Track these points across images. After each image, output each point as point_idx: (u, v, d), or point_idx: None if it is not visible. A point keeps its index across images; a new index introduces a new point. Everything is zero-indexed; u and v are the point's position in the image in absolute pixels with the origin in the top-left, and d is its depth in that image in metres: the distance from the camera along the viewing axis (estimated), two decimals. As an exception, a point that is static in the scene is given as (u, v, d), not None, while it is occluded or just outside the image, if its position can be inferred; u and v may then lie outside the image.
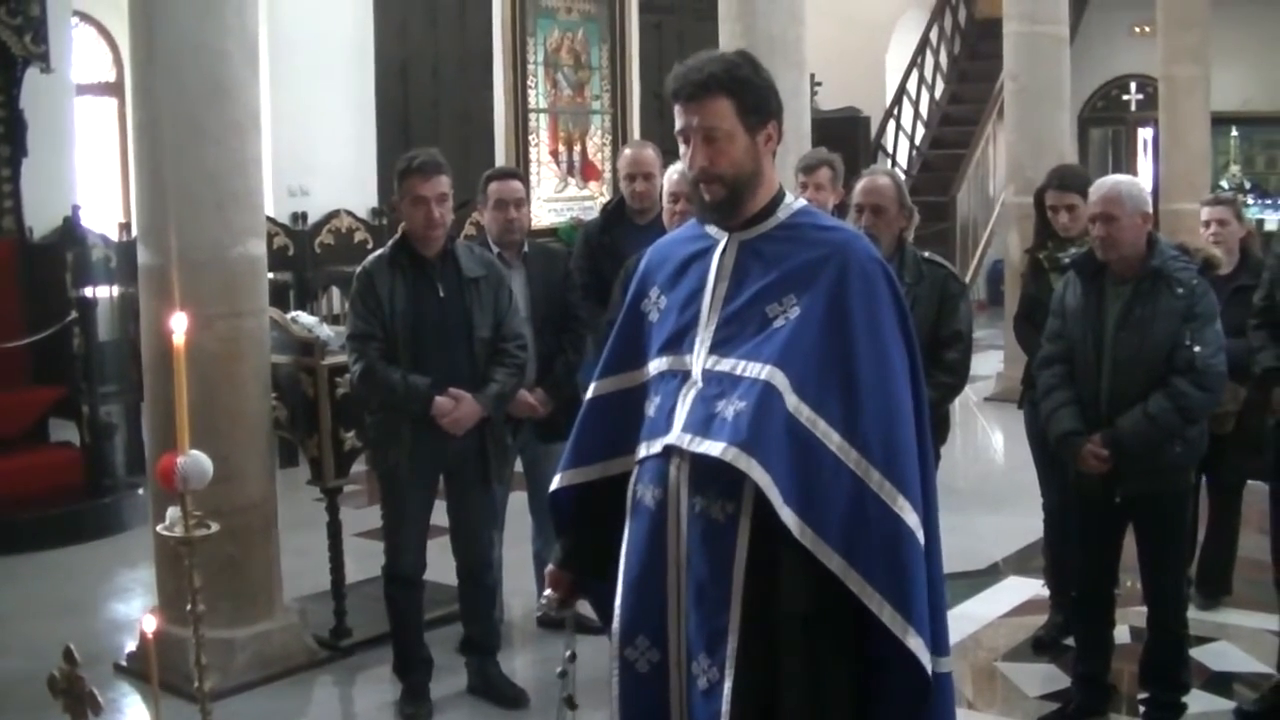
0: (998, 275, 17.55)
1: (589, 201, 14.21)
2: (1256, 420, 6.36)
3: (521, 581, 7.17)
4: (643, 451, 3.64)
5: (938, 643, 3.59)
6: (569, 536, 3.96)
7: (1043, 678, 6.54)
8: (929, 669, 3.49)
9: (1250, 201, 20.39)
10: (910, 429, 3.56)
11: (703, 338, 3.62)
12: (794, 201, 3.75)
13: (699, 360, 3.59)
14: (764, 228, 3.68)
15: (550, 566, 3.98)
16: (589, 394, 3.88)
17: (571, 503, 3.91)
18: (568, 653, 3.96)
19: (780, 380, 3.45)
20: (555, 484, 3.89)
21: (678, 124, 3.65)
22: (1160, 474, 5.60)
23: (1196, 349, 5.44)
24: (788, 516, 3.38)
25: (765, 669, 3.51)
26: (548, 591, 3.96)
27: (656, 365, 3.69)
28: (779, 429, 3.43)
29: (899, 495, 3.46)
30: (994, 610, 7.50)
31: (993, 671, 6.67)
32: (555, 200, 14.52)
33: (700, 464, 3.49)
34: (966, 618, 7.26)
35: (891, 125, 19.48)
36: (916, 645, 3.45)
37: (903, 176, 18.31)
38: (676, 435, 3.52)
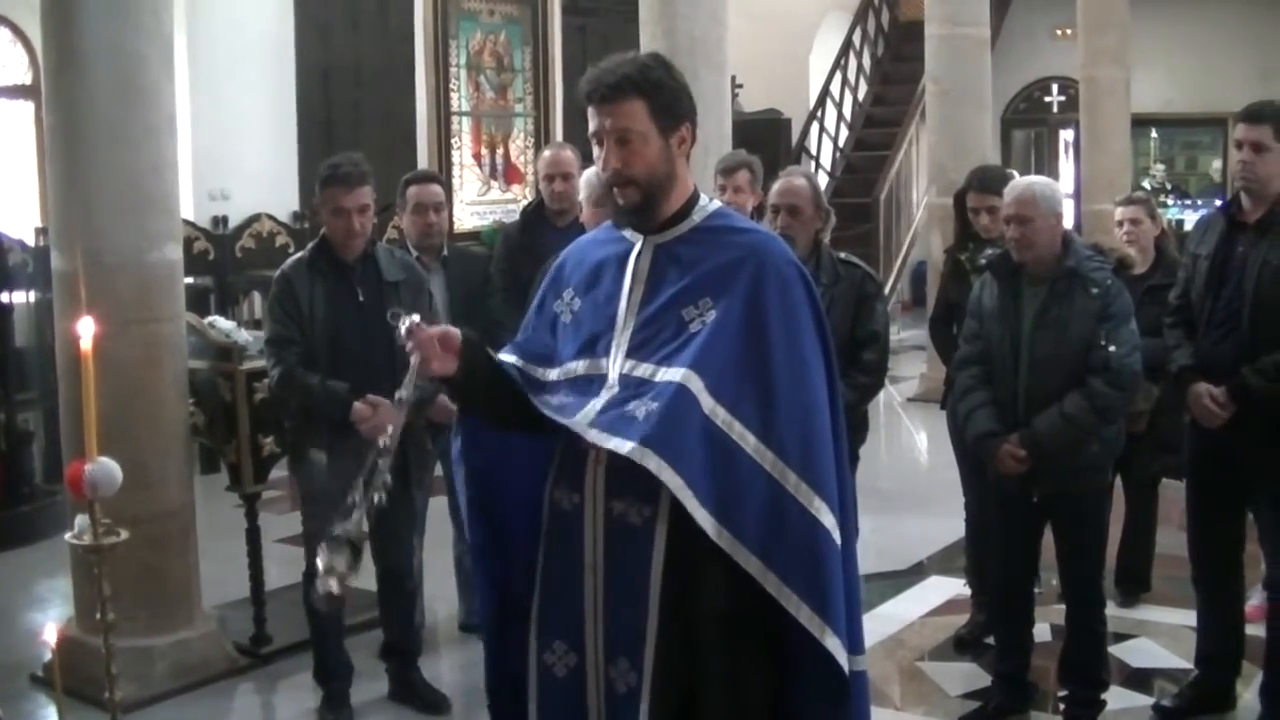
0: (921, 276, 17.66)
1: (512, 204, 14.18)
2: (1171, 419, 6.43)
3: (443, 587, 7.14)
4: (556, 417, 3.56)
5: (853, 641, 3.62)
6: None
7: (964, 677, 6.57)
8: (846, 668, 3.51)
9: (1170, 202, 20.61)
10: (827, 430, 3.58)
11: (618, 342, 3.61)
12: (709, 203, 3.75)
13: (615, 365, 3.59)
14: (679, 230, 3.68)
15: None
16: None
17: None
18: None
19: (696, 383, 3.45)
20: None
21: (591, 126, 3.65)
22: (1077, 473, 5.65)
23: (1111, 348, 5.49)
24: (704, 519, 3.38)
25: (684, 672, 3.52)
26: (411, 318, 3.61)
27: (572, 369, 3.67)
28: (695, 432, 3.42)
29: (815, 496, 3.48)
30: (917, 610, 7.54)
31: (915, 671, 6.69)
32: (478, 203, 14.49)
33: (617, 468, 3.48)
34: (889, 617, 7.31)
35: (815, 127, 19.53)
36: (834, 645, 3.47)
37: (826, 178, 18.45)
38: (590, 432, 3.48)
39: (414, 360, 3.54)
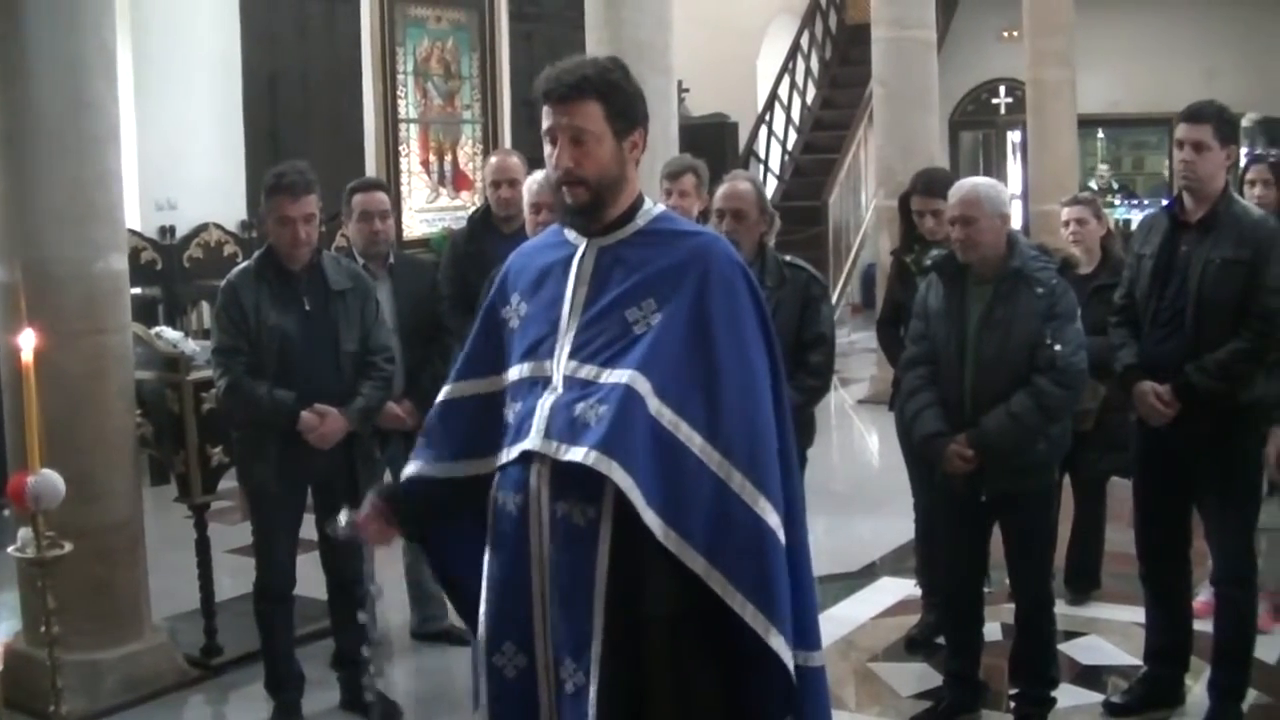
0: (871, 279, 17.73)
1: (461, 211, 14.12)
2: (1117, 417, 6.47)
3: (394, 595, 7.12)
4: (503, 457, 3.64)
5: (808, 638, 3.66)
6: (407, 501, 3.91)
7: (916, 677, 6.59)
8: (791, 666, 3.53)
9: (1117, 202, 20.76)
10: (771, 430, 3.60)
11: (563, 344, 3.62)
12: (653, 207, 3.77)
13: (559, 366, 3.60)
14: (623, 233, 3.70)
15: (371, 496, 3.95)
16: (440, 397, 3.87)
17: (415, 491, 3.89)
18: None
19: (642, 385, 3.47)
20: (406, 473, 3.87)
21: (545, 123, 3.66)
22: (1024, 472, 5.66)
23: (1057, 348, 5.51)
24: (651, 519, 3.40)
25: (633, 671, 3.53)
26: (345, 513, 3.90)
27: (518, 372, 3.69)
28: (642, 433, 3.44)
29: (760, 496, 3.50)
30: (868, 611, 7.55)
31: (867, 672, 6.72)
32: (427, 211, 14.46)
33: (561, 469, 3.50)
34: (841, 619, 7.32)
35: (764, 131, 19.57)
36: (779, 644, 3.50)
37: (774, 181, 18.49)
38: (540, 441, 3.52)
39: (367, 553, 3.68)
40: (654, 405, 3.46)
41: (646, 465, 3.42)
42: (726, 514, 3.47)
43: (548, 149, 3.67)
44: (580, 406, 3.49)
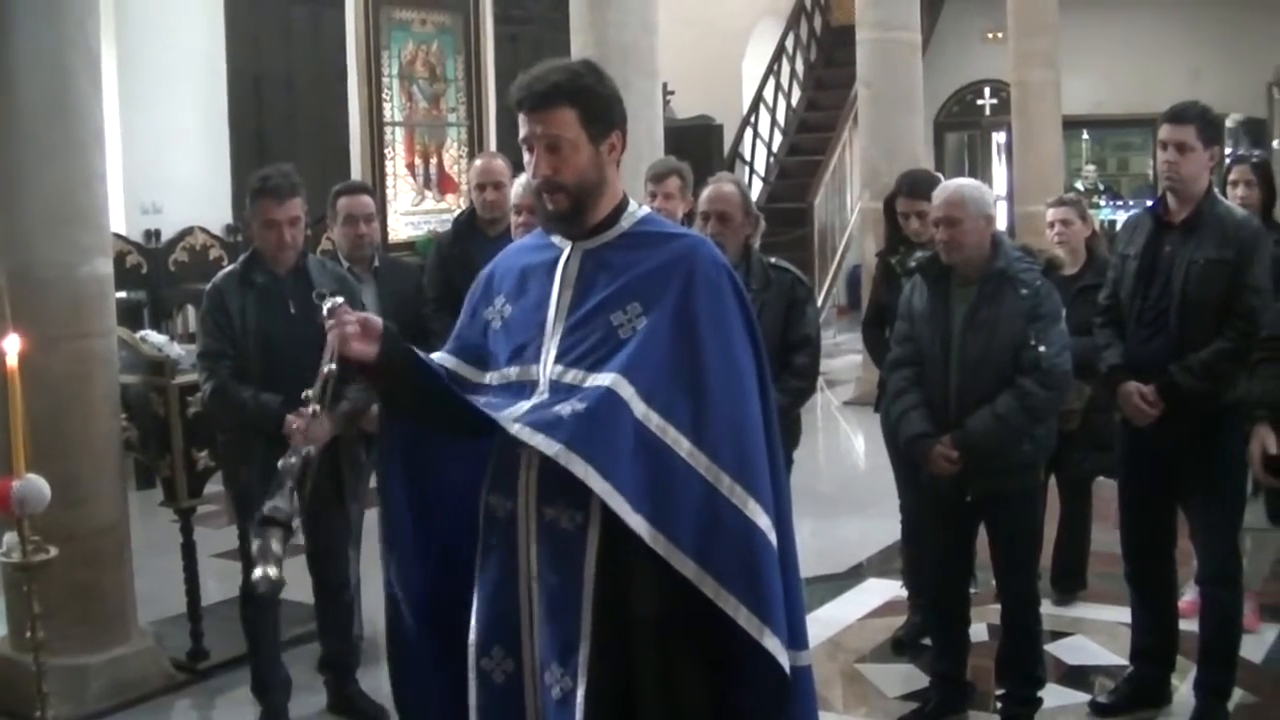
0: (856, 280, 17.74)
1: (446, 214, 14.11)
2: (1103, 417, 6.49)
3: (380, 598, 7.09)
4: (485, 411, 3.55)
5: (796, 638, 3.64)
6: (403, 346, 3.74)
7: (902, 678, 6.60)
8: (786, 667, 3.53)
9: (1102, 203, 20.79)
10: (759, 432, 3.59)
11: (548, 348, 3.61)
12: (637, 210, 3.76)
13: (545, 370, 3.59)
14: (607, 236, 3.69)
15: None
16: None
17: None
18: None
19: (625, 389, 3.45)
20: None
21: (521, 132, 3.64)
22: (1010, 473, 5.67)
23: (1041, 349, 5.52)
24: (638, 524, 3.38)
25: (620, 676, 3.53)
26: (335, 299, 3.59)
27: (504, 375, 3.68)
28: (626, 436, 3.42)
29: (750, 499, 3.49)
30: (855, 612, 7.56)
31: (854, 673, 6.72)
32: (412, 214, 14.44)
33: (549, 472, 3.48)
34: (828, 620, 7.32)
35: (749, 133, 19.58)
36: (774, 645, 3.48)
37: (760, 184, 18.49)
38: (514, 426, 3.44)
39: (331, 337, 3.51)
40: (640, 410, 3.44)
41: (630, 469, 3.40)
42: (716, 517, 3.46)
43: (526, 156, 3.66)
44: (560, 406, 3.47)
